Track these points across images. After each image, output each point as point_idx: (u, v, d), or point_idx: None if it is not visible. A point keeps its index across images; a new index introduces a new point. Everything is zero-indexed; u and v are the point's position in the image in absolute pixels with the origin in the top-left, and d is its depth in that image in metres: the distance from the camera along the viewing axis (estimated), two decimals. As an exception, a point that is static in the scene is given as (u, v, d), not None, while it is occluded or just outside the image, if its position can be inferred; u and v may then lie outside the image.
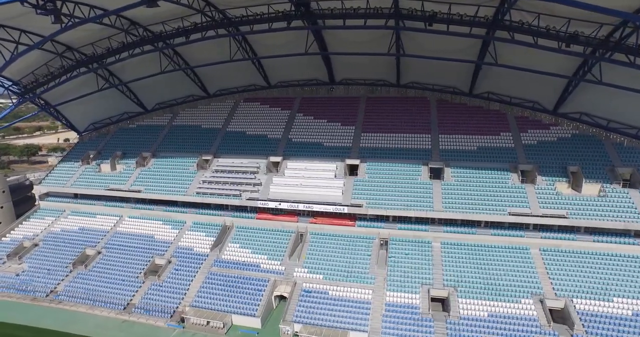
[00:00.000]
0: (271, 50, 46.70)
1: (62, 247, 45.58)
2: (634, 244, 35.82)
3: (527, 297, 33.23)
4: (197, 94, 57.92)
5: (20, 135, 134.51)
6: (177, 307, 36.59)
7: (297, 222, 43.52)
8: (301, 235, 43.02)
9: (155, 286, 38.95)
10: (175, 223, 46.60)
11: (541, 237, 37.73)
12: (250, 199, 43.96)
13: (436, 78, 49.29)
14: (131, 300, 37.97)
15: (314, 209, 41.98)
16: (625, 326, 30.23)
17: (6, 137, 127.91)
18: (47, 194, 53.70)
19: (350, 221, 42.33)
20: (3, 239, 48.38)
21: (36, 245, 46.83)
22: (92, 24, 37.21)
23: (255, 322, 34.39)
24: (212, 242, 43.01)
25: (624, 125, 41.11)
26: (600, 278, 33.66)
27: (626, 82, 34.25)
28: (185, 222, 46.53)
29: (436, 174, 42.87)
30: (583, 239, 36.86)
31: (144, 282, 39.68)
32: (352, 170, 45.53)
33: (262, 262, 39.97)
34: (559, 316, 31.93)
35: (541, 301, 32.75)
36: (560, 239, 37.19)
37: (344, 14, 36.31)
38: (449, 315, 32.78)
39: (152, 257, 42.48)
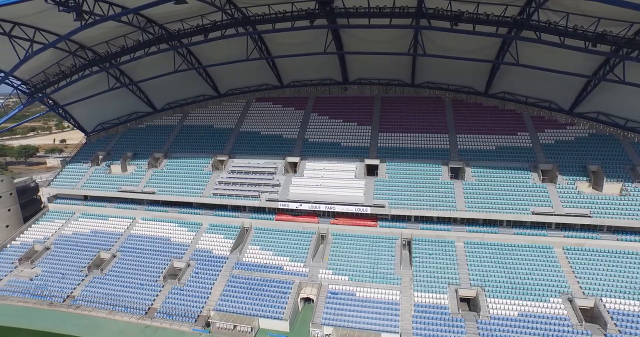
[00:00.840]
0: (287, 49, 46.20)
1: (75, 251, 44.48)
2: (656, 242, 36.32)
3: (555, 297, 33.38)
4: (208, 93, 57.13)
5: (13, 136, 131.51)
6: (201, 311, 35.92)
7: (318, 223, 43.12)
8: (322, 236, 42.66)
9: (176, 290, 38.21)
10: (191, 225, 45.82)
11: (564, 236, 37.99)
12: (269, 200, 43.42)
13: (452, 78, 49.39)
14: (152, 304, 37.18)
15: (336, 210, 41.60)
16: (654, 323, 30.58)
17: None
18: (56, 196, 52.48)
19: (372, 221, 42.11)
20: (13, 242, 47.07)
21: (48, 248, 45.64)
22: (109, 22, 36.32)
23: (283, 326, 33.90)
24: (232, 245, 42.38)
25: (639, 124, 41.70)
26: (629, 277, 33.96)
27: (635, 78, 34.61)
28: (202, 224, 45.79)
29: (457, 173, 42.90)
30: (607, 238, 37.20)
31: (163, 286, 38.90)
32: (370, 170, 45.27)
33: (284, 264, 39.51)
34: (588, 315, 32.10)
35: (570, 300, 32.92)
36: (584, 238, 37.49)
37: (369, 13, 35.98)
38: (479, 315, 32.75)
39: (169, 260, 41.69)
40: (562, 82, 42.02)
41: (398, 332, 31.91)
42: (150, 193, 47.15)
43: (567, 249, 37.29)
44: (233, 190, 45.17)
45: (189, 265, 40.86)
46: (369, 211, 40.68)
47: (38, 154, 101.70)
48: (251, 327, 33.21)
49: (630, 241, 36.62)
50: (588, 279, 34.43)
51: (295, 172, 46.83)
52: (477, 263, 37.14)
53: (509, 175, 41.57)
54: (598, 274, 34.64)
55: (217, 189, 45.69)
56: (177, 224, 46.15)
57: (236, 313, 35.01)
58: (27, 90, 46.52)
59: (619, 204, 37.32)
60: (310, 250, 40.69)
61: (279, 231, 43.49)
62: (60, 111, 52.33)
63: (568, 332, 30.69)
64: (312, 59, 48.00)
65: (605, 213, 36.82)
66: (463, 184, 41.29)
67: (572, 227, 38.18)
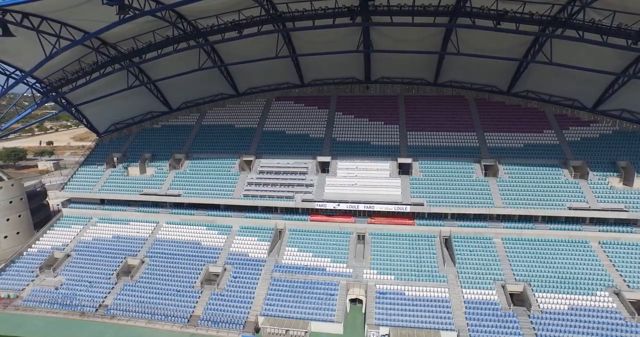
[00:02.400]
0: (314, 47, 45.62)
1: (99, 258, 42.40)
2: (686, 234, 37.93)
3: (601, 290, 34.28)
4: (227, 92, 55.74)
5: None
6: (247, 316, 34.90)
7: (355, 222, 42.76)
8: (360, 236, 42.32)
9: (216, 296, 36.97)
10: (222, 228, 44.53)
11: (599, 231, 39.11)
12: (305, 200, 42.70)
13: (475, 77, 50.07)
14: (193, 312, 35.82)
15: (375, 209, 41.38)
16: (697, 312, 31.87)
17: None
18: (70, 201, 49.90)
19: (409, 219, 42.12)
20: (29, 250, 44.44)
21: (68, 255, 43.32)
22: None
23: (336, 328, 33.35)
24: (268, 247, 41.44)
25: (664, 122, 43.49)
26: (667, 268, 35.35)
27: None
28: (232, 227, 44.56)
29: (488, 171, 43.47)
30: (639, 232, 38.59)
31: (201, 292, 37.57)
32: (402, 169, 45.27)
33: (327, 266, 38.94)
34: (637, 308, 33.08)
35: (617, 294, 33.90)
36: (619, 232, 38.73)
37: (412, 11, 35.80)
38: (529, 310, 33.26)
39: (203, 265, 40.33)
40: (588, 80, 43.26)
41: (455, 330, 31.99)
42: (175, 196, 45.51)
43: (604, 243, 38.42)
44: (265, 191, 44.18)
45: (225, 269, 39.63)
46: (408, 209, 40.66)
47: (27, 157, 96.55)
48: (305, 331, 32.48)
49: (663, 233, 38.13)
50: (630, 272, 35.58)
51: (325, 171, 46.28)
52: (518, 258, 37.74)
53: (540, 172, 42.46)
54: (639, 267, 35.84)
55: (248, 190, 44.56)
56: (206, 227, 44.74)
57: (285, 317, 34.17)
58: (41, 90, 43.99)
59: (649, 198, 38.78)
60: (350, 250, 40.31)
61: (315, 232, 42.85)
62: (73, 111, 49.79)
63: (621, 325, 31.51)
64: (335, 57, 47.66)
65: (637, 207, 38.16)
66: (497, 181, 41.89)
67: (606, 221, 39.36)
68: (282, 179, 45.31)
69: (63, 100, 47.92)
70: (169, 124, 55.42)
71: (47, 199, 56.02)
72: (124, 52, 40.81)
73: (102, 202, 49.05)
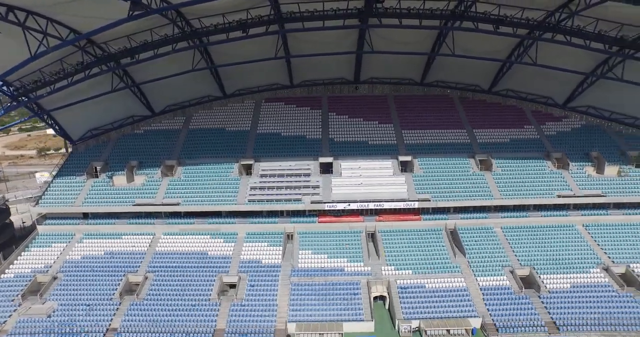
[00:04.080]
0: (310, 48, 45.29)
1: (94, 277, 38.66)
2: (652, 213, 43.60)
3: (593, 267, 38.30)
4: (214, 94, 53.43)
5: None
6: (275, 325, 33.91)
7: (364, 221, 43.37)
8: (370, 234, 43.01)
9: (237, 307, 35.48)
10: (227, 236, 42.78)
11: (582, 215, 43.53)
12: (314, 202, 42.46)
13: (460, 77, 53.03)
14: (216, 326, 33.96)
15: (385, 207, 42.34)
16: (672, 280, 36.89)
17: None
18: (45, 217, 44.85)
19: (415, 215, 43.65)
20: (3, 276, 39.18)
21: (55, 278, 38.94)
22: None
23: (367, 327, 33.66)
24: (280, 252, 40.63)
25: (624, 116, 49.42)
26: (644, 243, 40.40)
27: (632, 77, 40.92)
28: (237, 234, 43.00)
29: (483, 165, 46.37)
30: (615, 213, 43.56)
31: (219, 303, 35.84)
32: (403, 166, 46.72)
33: (344, 266, 39.12)
34: (624, 280, 37.39)
35: (606, 269, 38.08)
36: (598, 215, 43.42)
37: (420, 14, 37.01)
38: (538, 291, 36.22)
39: (215, 275, 38.51)
40: (561, 80, 47.84)
41: (479, 316, 33.85)
42: (173, 205, 42.88)
43: (587, 226, 42.86)
44: (271, 194, 43.24)
45: (240, 278, 38.18)
46: (416, 205, 42.17)
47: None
48: (339, 334, 32.44)
49: (633, 214, 43.33)
50: (612, 249, 40.08)
51: (327, 172, 46.32)
52: (519, 245, 40.85)
53: (527, 164, 46.20)
54: (618, 244, 40.51)
55: (252, 194, 43.29)
56: (210, 236, 42.69)
57: (314, 321, 33.85)
58: (9, 93, 39.00)
59: (620, 184, 43.89)
60: (363, 249, 40.86)
61: (325, 233, 42.79)
62: (45, 117, 44.75)
63: (614, 296, 35.53)
64: (326, 57, 47.85)
65: (612, 192, 43.09)
66: (492, 175, 44.88)
67: (586, 206, 43.87)
68: (287, 181, 44.60)
69: (34, 106, 42.91)
70: (152, 128, 51.88)
71: (10, 218, 49.76)
72: (113, 52, 37.58)
73: (86, 216, 44.73)
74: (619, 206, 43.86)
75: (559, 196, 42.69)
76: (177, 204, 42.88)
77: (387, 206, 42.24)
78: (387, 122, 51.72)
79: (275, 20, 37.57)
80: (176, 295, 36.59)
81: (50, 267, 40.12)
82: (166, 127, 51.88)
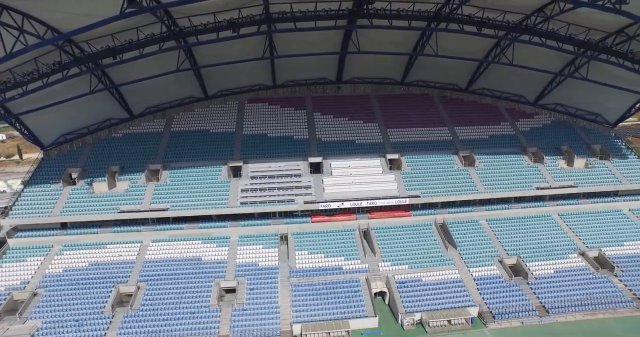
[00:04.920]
0: (295, 48, 45.11)
1: (80, 290, 36.39)
2: (615, 201, 47.41)
3: (571, 253, 41.20)
4: (195, 95, 51.87)
5: None
6: (279, 327, 33.60)
7: (357, 219, 43.91)
8: (363, 231, 43.60)
9: (238, 311, 34.80)
10: (219, 240, 41.79)
11: (556, 205, 46.62)
12: (307, 202, 42.45)
13: (440, 76, 54.97)
14: (219, 332, 33.11)
15: (377, 204, 43.10)
16: (637, 260, 40.43)
17: None
18: (16, 229, 41.64)
19: (406, 211, 44.79)
20: (-26, 296, 36.00)
21: (35, 294, 36.25)
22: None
23: (372, 322, 34.20)
24: (277, 254, 40.29)
25: (587, 112, 53.45)
26: (612, 229, 43.88)
27: (595, 77, 44.58)
28: (230, 237, 42.13)
29: (466, 161, 48.38)
30: (584, 202, 47.05)
31: (219, 309, 34.99)
32: (391, 164, 47.80)
33: (342, 264, 39.45)
34: (599, 263, 40.48)
35: (582, 254, 41.07)
36: (571, 204, 46.68)
37: (404, 15, 38.06)
38: (526, 278, 38.44)
39: (211, 280, 37.54)
40: (532, 79, 50.93)
41: (476, 305, 35.41)
42: (161, 210, 41.29)
43: (561, 215, 45.95)
44: (263, 196, 42.75)
45: (239, 283, 37.45)
46: (407, 201, 43.29)
47: None
48: (347, 331, 32.70)
49: (599, 202, 47.00)
50: (585, 235, 43.31)
51: (316, 172, 46.46)
52: (504, 235, 43.11)
53: (506, 159, 48.77)
54: (590, 230, 43.84)
55: (244, 197, 42.58)
56: (201, 241, 41.50)
57: (319, 321, 33.91)
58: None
59: (588, 175, 47.47)
60: (359, 247, 41.40)
61: (319, 233, 42.90)
62: (13, 121, 41.50)
63: (592, 278, 38.47)
64: (310, 58, 47.99)
65: (582, 183, 46.50)
66: (476, 170, 46.99)
67: (560, 197, 47.03)
68: (278, 182, 44.25)
69: (0, 109, 39.66)
70: (131, 132, 49.51)
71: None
72: (95, 51, 35.55)
73: (64, 226, 41.98)
74: (587, 195, 47.41)
75: (537, 188, 45.46)
76: (166, 210, 41.32)
77: (379, 203, 43.04)
78: (371, 121, 52.64)
79: (266, 20, 37.28)
80: (173, 304, 35.31)
81: (28, 283, 37.33)
82: (147, 130, 49.74)
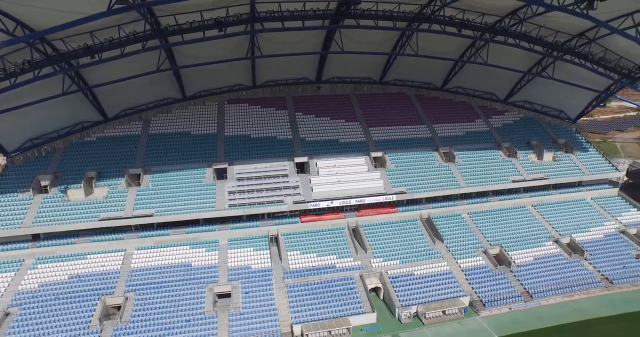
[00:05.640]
0: (278, 48, 44.73)
1: (61, 306, 34.06)
2: (580, 191, 51.11)
3: (546, 241, 43.97)
4: (173, 96, 50.09)
5: None
6: (280, 329, 33.25)
7: (345, 218, 44.32)
8: (352, 229, 44.05)
9: (236, 316, 34.08)
10: (208, 244, 40.69)
11: (530, 197, 49.52)
12: (296, 202, 42.32)
13: (416, 75, 56.63)
14: (218, 338, 32.45)
15: (365, 202, 43.72)
16: (606, 243, 43.92)
17: None
18: (-19, 243, 38.31)
19: (392, 208, 45.78)
20: (-61, 318, 32.70)
21: (8, 314, 33.40)
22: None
23: (370, 318, 34.70)
24: (268, 255, 39.85)
25: (551, 109, 57.16)
26: (579, 217, 47.28)
27: (560, 76, 47.86)
28: (219, 241, 41.14)
29: (447, 157, 50.22)
30: (554, 193, 50.32)
31: (216, 315, 34.10)
32: (375, 162, 48.64)
33: (335, 262, 39.70)
34: (571, 249, 43.48)
35: (556, 241, 43.94)
36: (542, 195, 49.76)
37: (388, 16, 38.98)
38: (510, 266, 40.58)
39: (204, 286, 36.51)
40: (503, 77, 53.76)
41: (467, 295, 36.93)
42: (146, 216, 39.56)
43: (535, 205, 48.88)
44: (251, 198, 42.12)
45: (233, 287, 36.66)
46: (394, 198, 44.30)
47: None
48: (348, 328, 32.99)
49: (565, 192, 50.44)
50: (558, 223, 46.37)
51: (302, 172, 46.42)
52: (485, 227, 45.21)
53: (483, 154, 51.09)
54: (561, 219, 46.96)
55: (232, 199, 41.73)
56: (189, 246, 40.21)
57: (319, 320, 33.95)
58: None
59: (555, 168, 50.83)
60: (349, 244, 41.84)
61: (310, 233, 42.89)
62: (-27, 126, 38.17)
63: (566, 263, 41.32)
64: (290, 57, 47.86)
65: (551, 175, 49.74)
66: (456, 166, 48.89)
67: (533, 189, 49.99)
68: (266, 183, 43.76)
69: (-42, 113, 36.33)
70: (106, 135, 46.92)
71: None
72: (70, 50, 33.44)
73: (36, 238, 39.11)
74: (555, 186, 50.76)
75: (513, 181, 48.06)
76: (151, 215, 39.64)
77: (367, 200, 43.71)
78: (353, 120, 53.28)
79: (253, 19, 36.78)
80: (166, 313, 33.98)
81: None
82: (123, 133, 47.37)
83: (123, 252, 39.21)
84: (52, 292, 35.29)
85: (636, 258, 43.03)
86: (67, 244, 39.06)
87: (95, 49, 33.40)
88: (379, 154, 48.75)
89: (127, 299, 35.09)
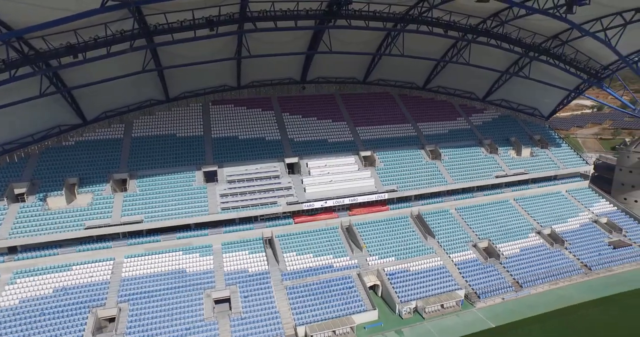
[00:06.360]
0: (266, 49, 44.20)
1: (49, 321, 32.04)
2: (556, 184, 53.96)
3: (530, 232, 46.09)
4: (156, 98, 48.34)
5: None
6: (283, 332, 32.95)
7: (338, 217, 44.45)
8: (346, 228, 44.26)
9: (237, 322, 33.38)
10: (201, 249, 39.62)
11: (512, 191, 51.70)
12: (290, 203, 42.03)
13: (399, 75, 57.70)
14: (220, 344, 31.68)
15: (358, 201, 44.06)
16: (582, 233, 46.67)
17: None
18: (-48, 259, 35.37)
19: (383, 206, 46.39)
20: None
21: (-11, 333, 31.19)
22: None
23: (372, 315, 35.06)
24: (265, 258, 39.34)
25: (526, 107, 59.97)
26: (557, 208, 49.91)
27: (535, 75, 50.44)
28: (212, 245, 40.18)
29: (433, 155, 51.49)
30: (533, 187, 52.78)
31: (217, 322, 33.26)
32: (364, 161, 49.14)
33: (332, 262, 39.75)
34: (552, 239, 45.78)
35: (538, 232, 46.16)
36: (523, 189, 52.07)
37: (369, 15, 39.40)
38: (499, 259, 42.20)
39: (201, 292, 35.53)
40: (482, 77, 55.86)
41: (462, 288, 38.06)
42: (136, 223, 37.97)
43: (517, 199, 51.10)
44: (245, 200, 41.41)
45: (232, 292, 35.86)
46: (386, 196, 44.93)
47: None
48: (351, 327, 33.12)
49: (543, 186, 53.06)
50: (538, 215, 48.71)
51: (293, 173, 46.17)
52: (473, 222, 46.77)
53: (467, 151, 52.81)
54: (540, 211, 49.37)
55: (224, 202, 40.85)
56: (182, 252, 38.99)
57: (321, 320, 33.88)
58: None
59: (533, 163, 53.39)
60: (344, 243, 42.05)
61: (304, 233, 42.71)
62: (-60, 132, 35.16)
63: (548, 252, 43.58)
64: (276, 58, 47.54)
65: (530, 170, 52.19)
66: (442, 163, 50.25)
67: (513, 183, 52.20)
68: (258, 185, 43.16)
69: None
70: (85, 139, 44.56)
71: None
72: (51, 49, 31.53)
73: (12, 250, 36.57)
74: (534, 180, 53.30)
75: (496, 177, 50.01)
76: (140, 222, 38.08)
77: (360, 199, 44.08)
78: (340, 120, 53.56)
79: (244, 19, 36.16)
80: (164, 322, 32.80)
81: (-24, 320, 32.00)
82: (104, 137, 45.17)
83: (112, 261, 37.43)
84: (35, 308, 33.14)
85: (608, 245, 46.03)
86: (49, 255, 36.80)
87: (79, 48, 31.76)
88: (367, 153, 49.27)
89: (120, 310, 33.54)
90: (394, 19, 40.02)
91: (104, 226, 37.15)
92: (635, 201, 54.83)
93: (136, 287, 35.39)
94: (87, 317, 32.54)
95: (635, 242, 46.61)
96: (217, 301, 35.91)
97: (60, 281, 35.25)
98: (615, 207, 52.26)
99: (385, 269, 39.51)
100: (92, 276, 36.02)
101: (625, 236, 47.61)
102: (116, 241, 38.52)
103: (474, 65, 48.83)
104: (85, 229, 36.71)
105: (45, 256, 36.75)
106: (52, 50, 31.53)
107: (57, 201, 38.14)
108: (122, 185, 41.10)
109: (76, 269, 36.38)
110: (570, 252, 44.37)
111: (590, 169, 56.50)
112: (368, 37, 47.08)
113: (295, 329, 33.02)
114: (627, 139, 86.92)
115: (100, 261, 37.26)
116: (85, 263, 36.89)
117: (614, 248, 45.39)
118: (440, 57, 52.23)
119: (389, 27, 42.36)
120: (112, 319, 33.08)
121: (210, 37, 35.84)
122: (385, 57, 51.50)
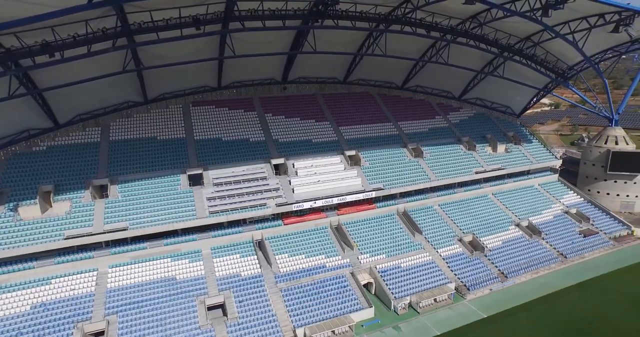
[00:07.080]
0: (249, 48, 43.63)
1: (28, 339, 30.01)
2: (529, 178, 56.72)
3: (509, 225, 48.18)
4: (134, 99, 46.32)
5: None
6: (282, 335, 32.50)
7: (327, 217, 44.46)
8: (336, 228, 44.33)
9: (234, 327, 32.59)
10: (191, 255, 38.38)
11: (490, 186, 53.78)
12: (280, 205, 41.58)
13: (379, 75, 58.57)
14: (217, 352, 30.82)
15: (347, 200, 44.27)
16: (556, 223, 49.33)
17: None
18: None
19: (370, 204, 46.88)
20: None
21: (-37, 355, 28.70)
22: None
23: (368, 313, 35.35)
24: (256, 261, 38.68)
25: (499, 105, 62.60)
26: (532, 202, 52.49)
27: (508, 75, 52.99)
28: (202, 250, 39.02)
29: (415, 152, 52.61)
30: (509, 181, 55.15)
31: (213, 329, 32.30)
32: (350, 160, 49.46)
33: (325, 262, 39.71)
34: (531, 230, 48.07)
35: (517, 225, 48.34)
36: (500, 184, 54.30)
37: (355, 16, 39.86)
38: (483, 251, 43.79)
39: (194, 299, 34.41)
40: (459, 76, 57.79)
41: (452, 281, 39.15)
42: (120, 230, 36.19)
43: (495, 194, 53.23)
44: (233, 203, 40.52)
45: (225, 297, 34.96)
46: (373, 194, 45.43)
47: None
48: (350, 326, 33.21)
49: (517, 181, 55.58)
50: (516, 208, 51.00)
51: (279, 174, 45.75)
52: (456, 217, 48.24)
53: (446, 149, 54.40)
54: (517, 204, 51.72)
55: (212, 206, 39.79)
56: (170, 259, 37.59)
57: (319, 321, 33.74)
58: None
59: (508, 158, 55.84)
60: (335, 243, 42.13)
61: (294, 234, 42.39)
62: None
63: (527, 243, 45.81)
64: (257, 58, 47.04)
65: (506, 165, 54.56)
66: (425, 160, 51.49)
67: (491, 179, 54.36)
68: (246, 187, 42.36)
69: None
70: (58, 144, 41.91)
71: None
72: (25, 46, 29.44)
73: (-16, 265, 33.86)
74: (509, 175, 55.74)
75: (476, 172, 51.87)
76: (125, 229, 36.34)
77: (348, 198, 44.33)
78: (322, 120, 53.61)
79: (231, 18, 35.43)
80: (157, 332, 31.52)
81: (-53, 342, 29.40)
82: (78, 141, 42.70)
83: (95, 272, 35.47)
84: (12, 327, 30.74)
85: (579, 234, 48.98)
86: (24, 269, 34.28)
87: (56, 46, 29.88)
88: (352, 152, 49.62)
89: (109, 323, 31.84)
90: (379, 20, 40.61)
91: (86, 235, 35.12)
92: (598, 192, 58.72)
93: (124, 298, 33.74)
94: (72, 333, 30.63)
95: (601, 230, 49.89)
96: (210, 308, 34.92)
97: (39, 297, 32.96)
98: (582, 199, 55.68)
99: (377, 266, 39.94)
100: (74, 289, 33.94)
101: (593, 225, 50.83)
102: (98, 251, 36.52)
103: (452, 65, 50.47)
104: (65, 239, 34.54)
105: (20, 270, 34.20)
106: (25, 48, 29.47)
107: (30, 210, 35.63)
108: (102, 191, 39.05)
109: (56, 283, 34.16)
110: (547, 242, 46.78)
111: (559, 164, 59.81)
112: (350, 37, 47.49)
113: (295, 331, 32.71)
114: (583, 135, 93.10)
115: (82, 273, 35.18)
116: (65, 275, 34.72)
117: (584, 236, 48.35)
118: (420, 57, 53.65)
119: (374, 28, 42.91)
120: (101, 333, 31.31)
121: (196, 36, 34.93)
122: (366, 57, 52.14)
